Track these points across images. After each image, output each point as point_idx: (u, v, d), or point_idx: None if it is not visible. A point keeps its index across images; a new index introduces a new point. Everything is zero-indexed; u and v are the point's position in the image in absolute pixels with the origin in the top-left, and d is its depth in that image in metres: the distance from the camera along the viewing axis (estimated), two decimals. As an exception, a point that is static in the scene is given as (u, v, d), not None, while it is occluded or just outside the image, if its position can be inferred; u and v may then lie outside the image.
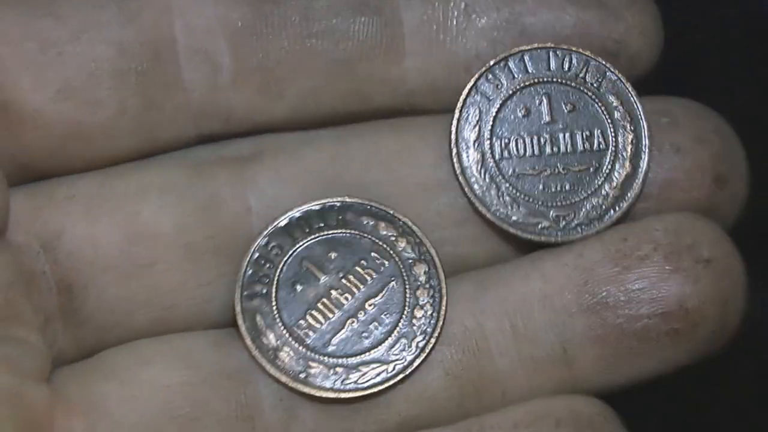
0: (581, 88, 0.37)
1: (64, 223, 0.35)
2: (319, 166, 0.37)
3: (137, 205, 0.36)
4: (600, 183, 0.36)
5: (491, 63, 0.37)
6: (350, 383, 0.35)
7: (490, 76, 0.37)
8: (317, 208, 0.36)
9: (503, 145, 0.37)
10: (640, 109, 0.36)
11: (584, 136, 0.37)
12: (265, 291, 0.36)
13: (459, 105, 0.37)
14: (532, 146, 0.37)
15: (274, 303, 0.36)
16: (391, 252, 0.36)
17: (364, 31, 0.37)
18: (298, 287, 0.36)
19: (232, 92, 0.36)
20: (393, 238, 0.36)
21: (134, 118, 0.36)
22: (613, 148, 0.36)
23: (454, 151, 0.36)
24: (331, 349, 0.36)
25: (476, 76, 0.37)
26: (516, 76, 0.37)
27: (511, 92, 0.37)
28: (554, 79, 0.37)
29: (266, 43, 0.36)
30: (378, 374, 0.35)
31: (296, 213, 0.36)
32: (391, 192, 0.37)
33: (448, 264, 0.36)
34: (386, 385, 0.35)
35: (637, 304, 0.35)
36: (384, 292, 0.36)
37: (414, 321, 0.36)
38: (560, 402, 0.35)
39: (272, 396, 0.35)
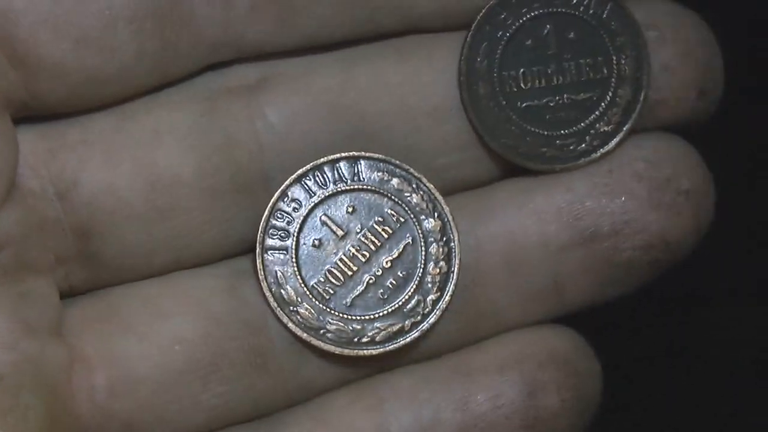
0: (584, 17, 0.37)
1: (80, 169, 0.35)
2: (326, 96, 0.36)
3: (155, 149, 0.35)
4: (603, 110, 0.37)
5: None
6: (367, 340, 0.36)
7: (498, 8, 0.37)
8: (332, 161, 0.36)
9: (512, 78, 0.37)
10: (641, 36, 0.37)
11: (588, 65, 0.37)
12: (284, 246, 0.36)
13: (469, 36, 0.37)
14: (540, 78, 0.37)
15: (293, 259, 0.36)
16: (406, 208, 0.37)
17: None
18: (317, 243, 0.37)
19: (246, 24, 0.36)
20: (407, 194, 0.37)
21: (151, 59, 0.35)
22: (615, 75, 0.37)
23: (464, 83, 0.37)
24: (349, 306, 0.36)
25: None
26: (525, 5, 0.37)
27: (519, 23, 0.37)
28: (559, 9, 0.37)
29: None
30: (394, 332, 0.36)
31: (312, 166, 0.36)
32: (397, 120, 0.37)
33: (449, 187, 0.37)
34: (402, 342, 0.36)
35: (623, 236, 0.37)
36: (400, 248, 0.37)
37: (428, 277, 0.37)
38: (541, 341, 0.37)
39: (284, 340, 0.36)
